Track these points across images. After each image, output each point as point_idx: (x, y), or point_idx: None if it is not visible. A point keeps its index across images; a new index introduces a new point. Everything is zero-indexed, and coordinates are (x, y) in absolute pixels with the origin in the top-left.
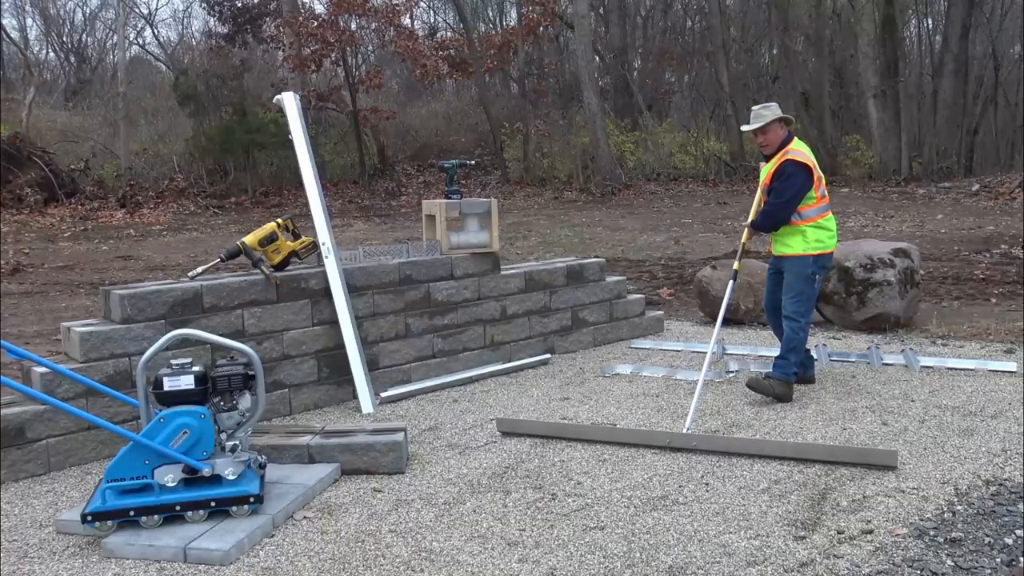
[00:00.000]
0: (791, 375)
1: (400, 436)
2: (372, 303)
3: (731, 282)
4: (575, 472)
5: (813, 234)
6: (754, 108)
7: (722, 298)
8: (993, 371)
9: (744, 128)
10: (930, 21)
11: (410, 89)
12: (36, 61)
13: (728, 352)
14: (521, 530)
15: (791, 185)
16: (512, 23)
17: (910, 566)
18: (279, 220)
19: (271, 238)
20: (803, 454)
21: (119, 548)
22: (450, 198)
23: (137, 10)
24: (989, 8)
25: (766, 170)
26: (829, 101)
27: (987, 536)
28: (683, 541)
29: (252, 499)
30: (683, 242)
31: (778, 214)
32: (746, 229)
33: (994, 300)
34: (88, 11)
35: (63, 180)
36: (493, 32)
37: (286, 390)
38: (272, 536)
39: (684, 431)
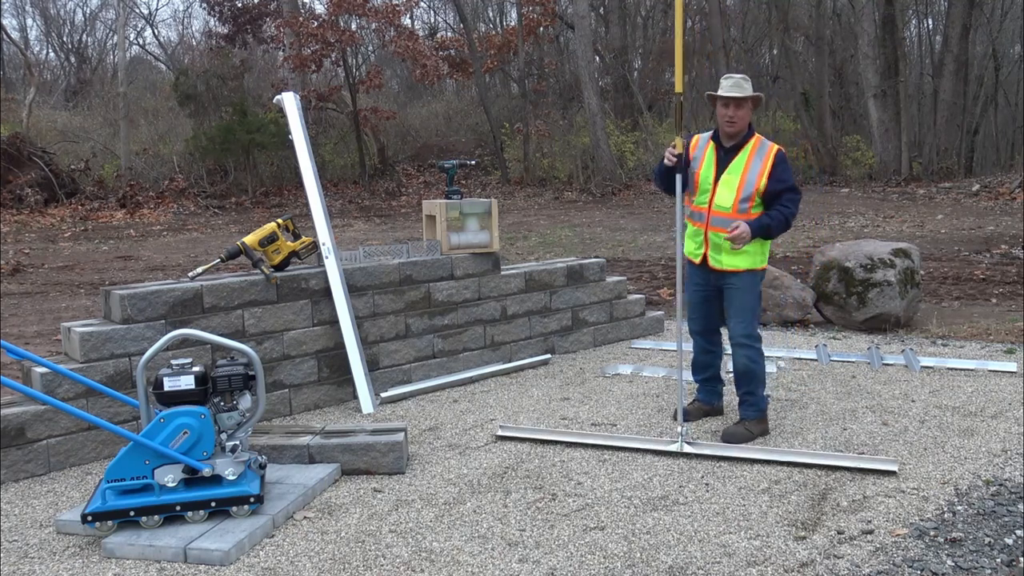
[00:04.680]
0: (764, 408)
1: (400, 436)
2: (372, 303)
3: (678, 271)
4: (575, 472)
5: (768, 244)
6: (733, 76)
7: None
8: (993, 371)
9: (724, 93)
10: (930, 21)
11: (410, 89)
12: (36, 61)
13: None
14: (521, 530)
15: (792, 173)
16: (512, 23)
17: (910, 566)
18: (279, 220)
19: (271, 238)
20: (800, 461)
21: (119, 548)
22: (450, 198)
23: (137, 10)
24: (989, 8)
25: (742, 157)
26: (829, 101)
27: (987, 536)
28: (683, 541)
29: (252, 499)
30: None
31: (797, 206)
32: (740, 230)
33: (994, 300)
34: (88, 11)
35: (63, 180)
36: (493, 32)
37: (286, 390)
38: (272, 536)
39: (679, 431)
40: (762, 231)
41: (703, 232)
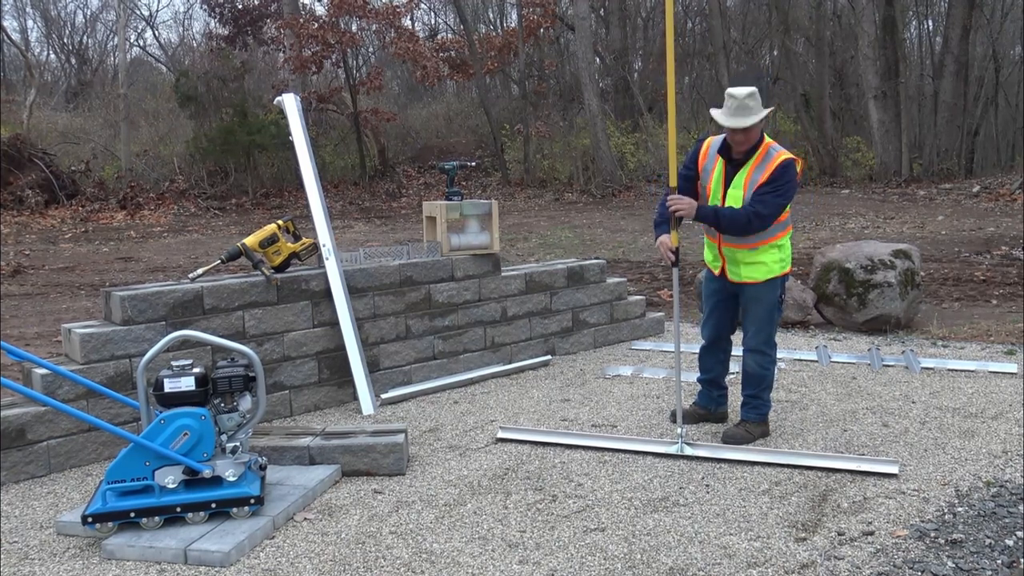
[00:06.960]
0: (766, 412)
1: (400, 437)
2: (373, 304)
3: (674, 270)
4: (575, 473)
5: (787, 249)
6: (734, 93)
7: None
8: (994, 372)
9: (726, 123)
10: (930, 22)
11: (411, 90)
12: (37, 63)
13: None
14: (522, 532)
15: (792, 188)
16: (512, 24)
17: (911, 567)
18: (280, 222)
19: (272, 239)
20: (800, 463)
21: (119, 549)
22: (451, 199)
23: (138, 12)
24: (989, 9)
25: (746, 169)
26: (830, 102)
27: (988, 538)
28: (684, 543)
29: (252, 500)
30: (683, 243)
31: (772, 217)
32: (683, 205)
33: (994, 301)
34: (89, 13)
35: (64, 181)
36: (493, 33)
37: (287, 391)
38: (272, 538)
39: (679, 433)
40: (707, 218)
41: (717, 247)
